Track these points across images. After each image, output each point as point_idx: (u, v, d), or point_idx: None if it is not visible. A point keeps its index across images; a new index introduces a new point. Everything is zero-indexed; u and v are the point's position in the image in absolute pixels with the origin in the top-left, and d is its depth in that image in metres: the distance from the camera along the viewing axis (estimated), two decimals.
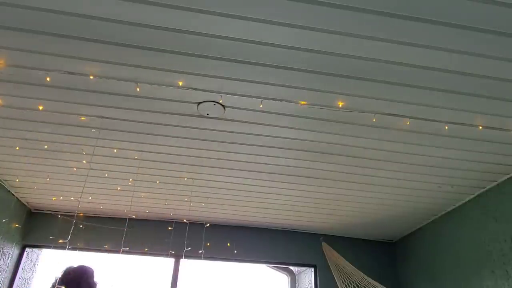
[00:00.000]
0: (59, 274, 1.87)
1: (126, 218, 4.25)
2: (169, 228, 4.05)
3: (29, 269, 4.12)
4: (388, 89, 2.07)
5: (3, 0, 1.59)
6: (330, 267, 3.91)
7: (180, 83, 2.09)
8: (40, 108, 2.35)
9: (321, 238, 4.24)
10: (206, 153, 2.86)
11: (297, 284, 4.89)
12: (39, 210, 4.17)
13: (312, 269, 4.43)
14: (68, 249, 4.02)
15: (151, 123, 2.49)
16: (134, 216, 4.26)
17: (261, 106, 2.24)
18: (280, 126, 2.48)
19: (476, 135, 2.46)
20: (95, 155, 2.92)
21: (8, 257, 3.75)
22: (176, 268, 4.12)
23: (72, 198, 3.82)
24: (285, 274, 5.10)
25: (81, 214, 4.14)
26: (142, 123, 2.49)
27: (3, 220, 3.56)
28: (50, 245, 4.00)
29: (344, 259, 3.81)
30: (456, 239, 3.53)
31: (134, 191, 3.59)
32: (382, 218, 3.99)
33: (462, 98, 2.12)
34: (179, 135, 2.63)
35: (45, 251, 4.31)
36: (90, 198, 3.78)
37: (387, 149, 2.69)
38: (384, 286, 3.46)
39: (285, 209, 3.83)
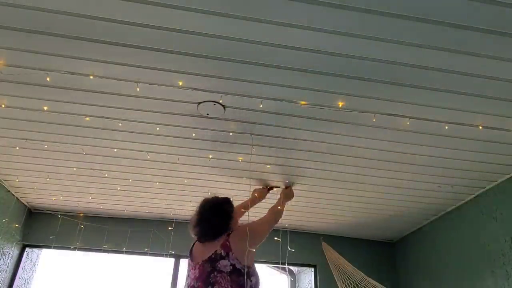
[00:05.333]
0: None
1: (126, 218, 4.26)
2: (169, 228, 4.05)
3: (29, 269, 4.12)
4: (388, 89, 2.07)
5: (3, 0, 1.59)
6: (330, 267, 3.91)
7: (180, 83, 2.09)
8: (40, 108, 2.35)
9: (321, 238, 4.24)
10: (206, 153, 2.86)
11: (297, 284, 4.89)
12: (39, 210, 4.17)
13: (312, 269, 4.43)
14: (69, 249, 4.04)
15: (151, 123, 2.49)
16: (134, 216, 4.26)
17: (261, 106, 2.24)
18: (280, 126, 2.48)
19: (476, 135, 2.45)
20: (95, 155, 2.93)
21: (8, 257, 3.76)
22: (176, 268, 4.12)
23: (72, 198, 3.82)
24: (285, 274, 5.09)
25: (81, 214, 4.14)
26: (142, 123, 2.49)
27: (3, 220, 3.56)
28: (50, 245, 4.00)
29: (344, 259, 3.81)
30: (456, 239, 3.53)
31: (134, 191, 3.59)
32: (382, 218, 3.99)
33: (462, 98, 2.12)
34: (179, 135, 2.63)
35: (45, 251, 4.31)
36: (90, 198, 3.78)
37: (387, 149, 2.69)
38: (384, 286, 3.46)
39: (285, 209, 3.82)
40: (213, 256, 1.73)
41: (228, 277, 1.67)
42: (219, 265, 1.69)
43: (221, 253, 1.73)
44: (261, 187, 3.13)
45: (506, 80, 1.96)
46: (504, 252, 2.94)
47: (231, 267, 1.68)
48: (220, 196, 2.21)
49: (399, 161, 2.85)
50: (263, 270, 4.83)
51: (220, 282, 1.66)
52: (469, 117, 2.29)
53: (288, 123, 2.43)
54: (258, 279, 1.80)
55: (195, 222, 1.97)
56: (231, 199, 2.16)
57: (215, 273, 1.68)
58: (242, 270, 1.70)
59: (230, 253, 1.71)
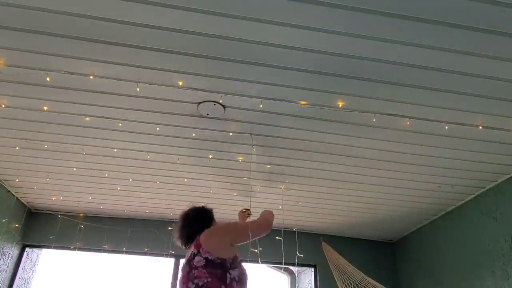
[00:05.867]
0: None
1: (126, 218, 4.27)
2: (169, 228, 4.05)
3: (29, 269, 4.12)
4: (388, 89, 2.07)
5: (3, 0, 1.59)
6: (330, 267, 3.91)
7: (180, 83, 2.09)
8: (40, 108, 2.35)
9: (321, 238, 4.24)
10: (206, 153, 2.86)
11: (297, 284, 4.89)
12: (39, 210, 4.16)
13: (312, 269, 4.43)
14: (69, 249, 4.05)
15: (151, 123, 2.49)
16: (134, 216, 4.26)
17: (261, 106, 2.24)
18: (280, 126, 2.48)
19: (476, 135, 2.46)
20: (95, 155, 2.92)
21: (8, 257, 3.75)
22: (176, 268, 4.12)
23: (72, 198, 3.82)
24: (285, 274, 5.09)
25: (81, 214, 4.14)
26: (142, 123, 2.49)
27: (3, 220, 3.56)
28: (50, 245, 4.00)
29: (344, 259, 3.81)
30: (456, 239, 3.53)
31: (134, 191, 3.59)
32: (382, 218, 3.99)
33: (462, 98, 2.12)
34: (179, 135, 2.63)
35: (45, 251, 4.31)
36: (90, 198, 3.78)
37: (387, 149, 2.69)
38: (384, 286, 3.46)
39: (285, 209, 3.83)
40: (189, 257, 1.83)
41: (204, 270, 1.74)
42: (194, 263, 1.78)
43: (194, 252, 1.82)
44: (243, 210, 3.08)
45: (506, 80, 1.96)
46: (504, 252, 2.94)
47: (204, 261, 1.76)
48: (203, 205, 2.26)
49: (399, 161, 2.84)
50: (263, 270, 4.83)
51: (199, 276, 1.74)
52: (469, 117, 2.29)
53: (288, 123, 2.43)
54: (243, 273, 1.86)
55: (179, 232, 2.07)
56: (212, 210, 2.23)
57: (193, 270, 1.76)
58: (215, 262, 1.77)
59: (201, 249, 1.80)
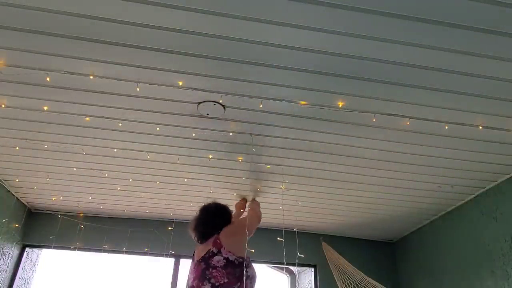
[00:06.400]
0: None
1: (126, 218, 4.27)
2: (169, 228, 4.05)
3: (29, 269, 4.12)
4: (388, 89, 2.07)
5: (3, 0, 1.59)
6: (330, 267, 3.91)
7: (180, 83, 2.09)
8: (40, 108, 2.35)
9: (321, 238, 4.24)
10: (206, 153, 2.85)
11: (297, 284, 4.88)
12: (39, 210, 4.16)
13: (312, 269, 4.43)
14: (69, 249, 4.05)
15: (151, 123, 2.49)
16: (134, 216, 4.26)
17: (261, 106, 2.24)
18: (280, 126, 2.48)
19: (476, 135, 2.45)
20: (95, 155, 2.92)
21: (8, 257, 3.75)
22: (176, 268, 4.12)
23: (72, 198, 3.82)
24: (285, 274, 5.09)
25: (81, 214, 4.14)
26: (142, 123, 2.49)
27: (3, 220, 3.56)
28: (50, 245, 4.00)
29: (344, 259, 3.81)
30: (456, 239, 3.53)
31: (134, 191, 3.59)
32: (382, 218, 3.99)
33: (462, 98, 2.12)
34: (179, 135, 2.63)
35: (45, 251, 4.31)
36: (90, 198, 3.78)
37: (387, 149, 2.69)
38: (384, 286, 3.46)
39: (285, 209, 3.83)
40: (206, 255, 1.85)
41: (223, 270, 1.78)
42: (212, 262, 1.80)
43: (213, 250, 1.84)
44: (239, 199, 3.26)
45: (506, 80, 1.96)
46: (504, 252, 2.94)
47: (225, 261, 1.79)
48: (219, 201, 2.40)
49: (399, 161, 2.84)
50: (263, 270, 4.83)
51: (216, 276, 1.77)
52: (469, 117, 2.29)
53: (288, 123, 2.43)
54: (254, 272, 1.88)
55: (196, 225, 2.11)
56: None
57: (210, 269, 1.79)
58: (236, 262, 1.80)
59: (222, 249, 1.83)
